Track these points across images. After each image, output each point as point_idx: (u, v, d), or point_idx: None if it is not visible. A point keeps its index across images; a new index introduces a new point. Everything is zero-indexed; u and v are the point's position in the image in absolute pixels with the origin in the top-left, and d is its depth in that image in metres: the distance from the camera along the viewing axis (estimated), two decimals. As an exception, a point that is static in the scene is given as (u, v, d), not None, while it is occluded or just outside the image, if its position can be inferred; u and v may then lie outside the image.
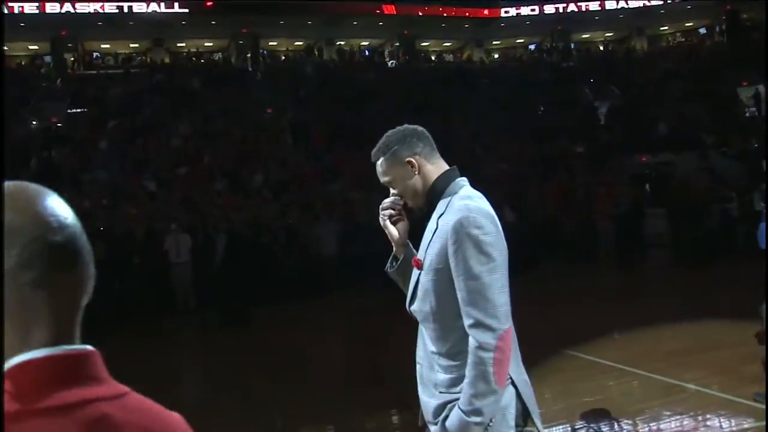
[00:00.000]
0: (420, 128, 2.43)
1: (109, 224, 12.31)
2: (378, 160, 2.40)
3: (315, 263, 12.25)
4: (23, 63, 24.44)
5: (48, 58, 24.70)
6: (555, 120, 20.92)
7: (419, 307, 2.33)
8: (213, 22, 25.09)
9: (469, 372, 2.16)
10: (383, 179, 2.41)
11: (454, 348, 2.25)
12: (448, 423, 2.21)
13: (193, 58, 25.19)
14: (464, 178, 2.40)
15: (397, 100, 20.75)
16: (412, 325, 2.32)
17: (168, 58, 25.36)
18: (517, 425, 2.24)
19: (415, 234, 2.39)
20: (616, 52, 28.26)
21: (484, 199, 2.35)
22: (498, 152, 18.32)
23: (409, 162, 2.36)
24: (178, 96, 20.45)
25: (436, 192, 2.36)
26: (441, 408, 2.26)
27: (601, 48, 29.69)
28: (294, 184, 15.49)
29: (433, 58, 27.55)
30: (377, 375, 6.66)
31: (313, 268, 12.11)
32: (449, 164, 2.37)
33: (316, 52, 26.44)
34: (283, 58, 25.94)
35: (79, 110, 19.87)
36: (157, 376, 7.14)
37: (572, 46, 29.66)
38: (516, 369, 2.29)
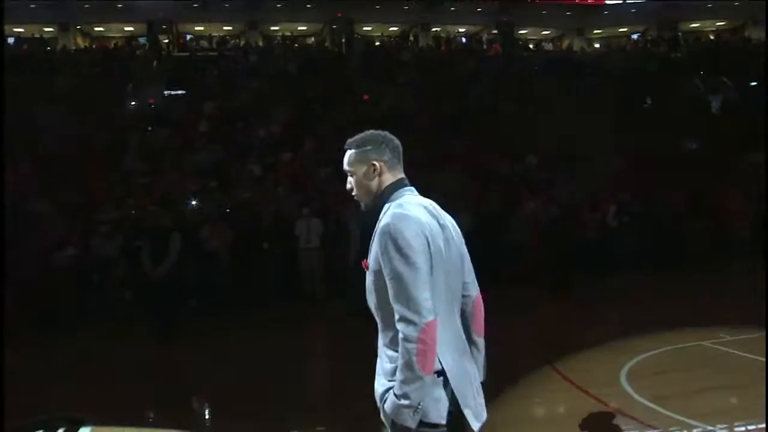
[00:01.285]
0: (395, 141, 2.76)
1: (222, 208, 12.38)
2: (349, 149, 2.74)
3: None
4: (119, 44, 25.23)
5: (143, 40, 25.37)
6: (664, 113, 20.18)
7: (369, 303, 2.63)
8: (308, 6, 25.21)
9: (398, 361, 2.44)
10: (346, 168, 2.74)
11: (394, 339, 2.51)
12: (386, 405, 2.50)
13: (287, 42, 25.33)
14: (410, 188, 2.70)
15: (497, 89, 20.43)
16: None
17: (262, 41, 25.65)
18: (450, 413, 2.43)
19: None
20: (728, 42, 27.14)
21: (420, 206, 2.61)
22: (607, 146, 17.79)
23: (373, 165, 2.67)
24: (275, 80, 20.65)
25: (383, 198, 2.68)
26: (384, 393, 2.53)
27: (712, 38, 28.57)
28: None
29: (531, 46, 27.07)
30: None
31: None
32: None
33: (412, 38, 26.47)
34: (378, 44, 25.92)
35: (175, 92, 20.31)
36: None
37: (679, 35, 28.66)
38: (452, 359, 2.48)
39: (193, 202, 11.63)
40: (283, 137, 17.53)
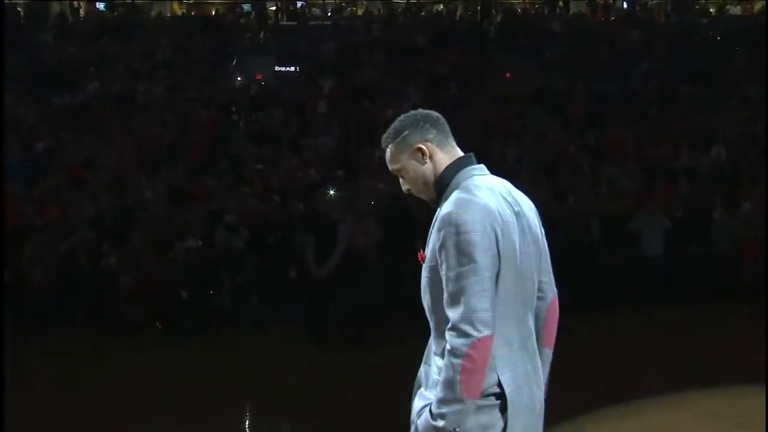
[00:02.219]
0: (435, 114, 2.70)
1: (365, 199, 12.34)
2: (387, 146, 2.65)
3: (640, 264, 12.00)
4: (220, 12, 25.74)
5: (247, 7, 25.81)
6: None
7: (423, 303, 2.61)
8: (435, -32, 25.28)
9: (441, 374, 2.43)
10: (392, 167, 2.65)
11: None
12: (419, 422, 2.51)
13: (413, 10, 25.32)
14: (480, 166, 2.62)
15: (668, 65, 19.71)
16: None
17: (383, 9, 25.61)
18: None
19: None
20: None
21: (490, 190, 2.53)
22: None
23: (420, 149, 2.60)
24: (401, 54, 20.46)
25: (443, 182, 2.60)
26: (422, 410, 2.52)
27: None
28: (564, 166, 14.94)
29: (711, 11, 25.93)
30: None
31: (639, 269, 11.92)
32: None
33: (561, 4, 25.92)
34: (519, 11, 25.39)
35: (287, 68, 20.58)
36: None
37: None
38: (514, 380, 2.45)
39: (331, 192, 11.69)
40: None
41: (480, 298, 2.41)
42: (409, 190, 2.74)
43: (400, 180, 2.72)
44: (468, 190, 2.55)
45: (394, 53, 20.49)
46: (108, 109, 17.61)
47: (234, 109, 18.61)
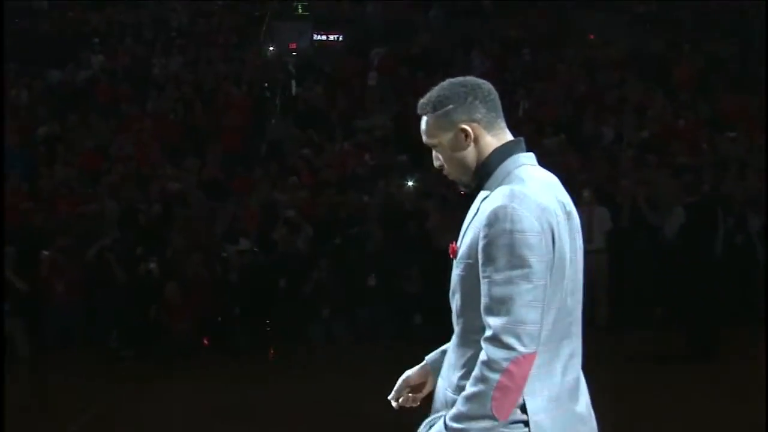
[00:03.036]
0: (486, 85, 2.63)
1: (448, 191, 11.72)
2: (425, 115, 2.63)
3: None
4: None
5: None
6: None
7: (451, 304, 2.66)
8: None
9: (468, 386, 2.46)
10: (427, 140, 2.63)
11: (471, 363, 2.51)
12: None
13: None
14: (530, 155, 2.63)
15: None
16: None
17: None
18: None
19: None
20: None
21: (549, 185, 2.57)
22: None
23: (464, 130, 2.59)
24: (462, 18, 19.83)
25: (488, 169, 2.60)
26: (428, 425, 2.64)
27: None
28: (675, 144, 14.14)
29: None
30: None
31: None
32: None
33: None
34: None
35: (327, 36, 19.97)
36: None
37: None
38: (547, 405, 2.51)
39: (410, 183, 11.20)
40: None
41: (530, 309, 2.42)
42: (442, 166, 2.69)
43: (434, 153, 2.66)
44: (522, 182, 2.53)
45: (455, 15, 19.85)
46: (118, 87, 17.06)
47: (266, 85, 18.05)
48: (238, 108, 16.24)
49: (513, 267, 2.43)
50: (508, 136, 2.67)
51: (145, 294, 10.14)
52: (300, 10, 20.67)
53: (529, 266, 2.43)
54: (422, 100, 2.67)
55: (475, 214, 2.60)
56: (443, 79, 2.65)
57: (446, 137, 2.64)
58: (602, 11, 19.63)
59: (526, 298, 2.43)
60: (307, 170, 14.09)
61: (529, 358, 2.44)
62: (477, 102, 2.62)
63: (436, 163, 2.72)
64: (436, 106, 2.64)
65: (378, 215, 11.39)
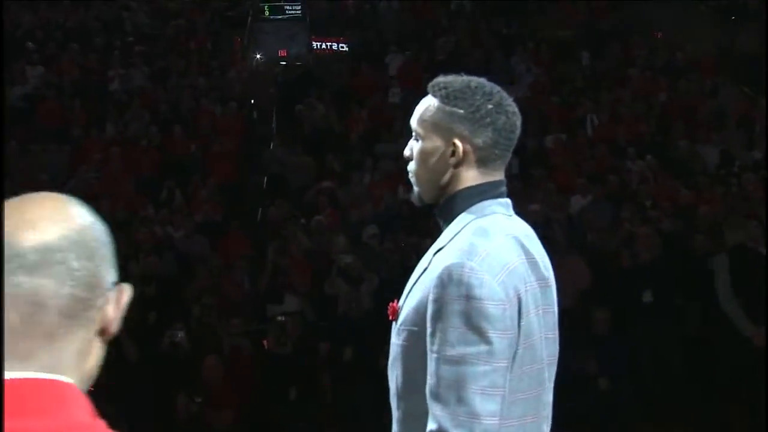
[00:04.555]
0: (516, 117, 2.69)
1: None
2: (430, 94, 2.73)
3: None
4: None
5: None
6: None
7: (390, 380, 2.72)
8: None
9: None
10: (414, 123, 2.73)
11: None
12: None
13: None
14: (505, 201, 2.69)
15: None
16: None
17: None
18: None
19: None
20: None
21: (520, 243, 2.61)
22: None
23: (453, 146, 2.66)
24: (496, 15, 19.65)
25: (452, 207, 2.69)
26: None
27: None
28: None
29: None
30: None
31: None
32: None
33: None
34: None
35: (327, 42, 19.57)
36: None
37: None
38: None
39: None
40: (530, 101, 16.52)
41: (487, 397, 2.43)
42: (409, 159, 2.75)
43: (410, 141, 2.74)
44: (486, 236, 2.55)
45: (484, 12, 19.74)
46: (67, 105, 16.43)
47: (254, 102, 17.59)
48: (226, 131, 15.86)
49: (467, 343, 2.42)
50: (498, 176, 2.68)
51: (169, 375, 9.44)
52: (290, 10, 20.25)
53: (488, 342, 2.43)
54: (439, 79, 2.69)
55: (426, 268, 2.60)
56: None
57: (433, 140, 2.67)
58: (674, 3, 19.41)
59: (481, 383, 2.41)
60: (330, 207, 13.52)
61: None
62: (490, 128, 2.62)
63: (406, 152, 2.74)
64: (448, 97, 2.64)
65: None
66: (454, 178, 2.68)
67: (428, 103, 2.70)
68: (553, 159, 14.90)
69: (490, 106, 2.65)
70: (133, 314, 6.69)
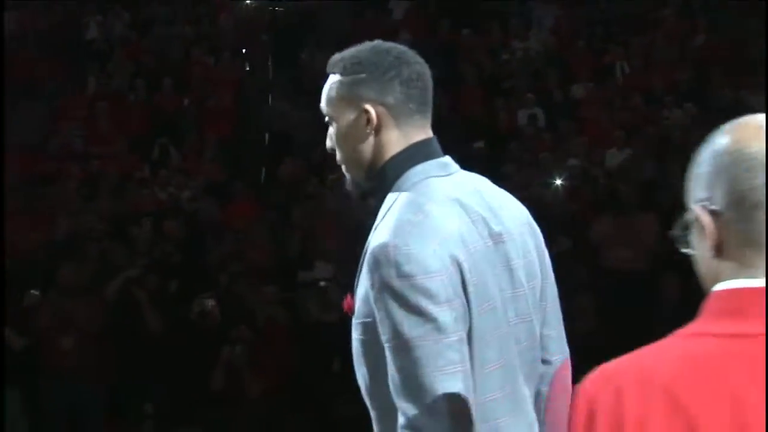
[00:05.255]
0: (419, 66, 2.75)
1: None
2: (332, 73, 2.78)
3: None
4: None
5: None
6: None
7: (358, 380, 2.81)
8: None
9: None
10: (323, 108, 2.78)
11: None
12: None
13: None
14: (443, 162, 2.73)
15: None
16: None
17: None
18: None
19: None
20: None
21: (454, 202, 2.64)
22: None
23: (366, 112, 2.70)
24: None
25: (384, 178, 2.73)
26: None
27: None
28: None
29: None
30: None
31: None
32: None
33: None
34: None
35: None
36: None
37: None
38: None
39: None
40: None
41: (448, 377, 2.46)
42: (333, 150, 2.80)
43: (329, 130, 2.78)
44: (417, 206, 2.59)
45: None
46: (40, 57, 16.51)
47: (245, 51, 17.52)
48: (219, 84, 16.03)
49: (411, 326, 2.45)
50: (421, 136, 2.71)
51: (198, 347, 9.63)
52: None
53: (432, 320, 2.45)
54: (335, 56, 2.75)
55: (364, 253, 2.64)
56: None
57: (345, 115, 2.72)
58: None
59: (437, 363, 2.44)
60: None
61: None
62: (396, 82, 2.68)
63: (328, 143, 2.79)
64: (346, 68, 2.71)
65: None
66: (377, 149, 2.73)
67: (330, 83, 2.77)
68: (583, 110, 14.95)
69: (390, 59, 2.71)
70: (153, 282, 6.89)
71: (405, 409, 2.50)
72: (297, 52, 17.15)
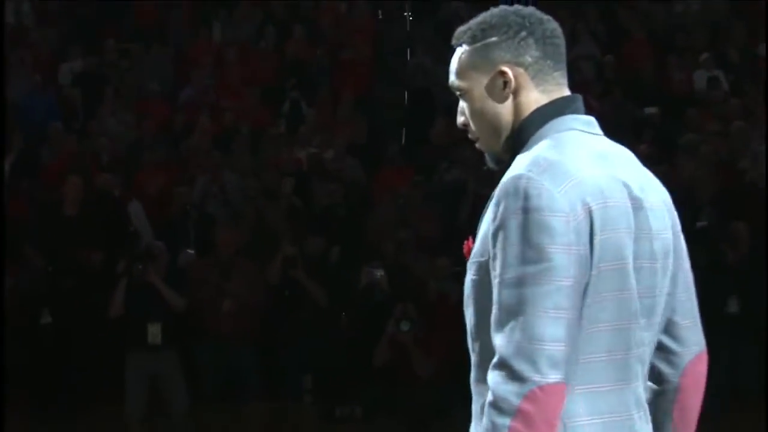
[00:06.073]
0: (551, 23, 2.83)
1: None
2: (459, 45, 2.84)
3: None
4: None
5: None
6: None
7: (465, 319, 2.85)
8: None
9: None
10: (454, 81, 2.86)
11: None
12: None
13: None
14: (587, 119, 2.80)
15: None
16: None
17: None
18: None
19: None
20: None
21: (606, 158, 2.73)
22: None
23: (503, 74, 2.76)
24: None
25: (524, 134, 2.79)
26: None
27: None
28: None
29: None
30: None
31: None
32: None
33: None
34: None
35: None
36: None
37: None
38: None
39: None
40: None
41: (550, 320, 2.53)
42: (466, 125, 2.85)
43: (459, 106, 2.85)
44: (557, 146, 2.66)
45: None
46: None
47: None
48: (358, 33, 16.17)
49: (526, 261, 2.53)
50: (563, 92, 2.78)
51: (365, 319, 9.82)
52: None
53: (548, 259, 2.52)
54: (461, 27, 2.80)
55: (493, 194, 2.72)
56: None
57: (479, 81, 2.77)
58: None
59: (543, 304, 2.52)
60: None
61: (551, 390, 2.52)
62: (531, 40, 2.75)
63: (459, 119, 2.84)
64: (475, 36, 2.76)
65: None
66: (518, 112, 2.79)
67: (458, 54, 2.83)
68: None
69: (519, 20, 2.78)
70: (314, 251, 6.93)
71: (499, 348, 2.57)
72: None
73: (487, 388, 2.64)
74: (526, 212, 2.55)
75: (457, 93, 2.84)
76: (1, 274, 10.35)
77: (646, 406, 2.81)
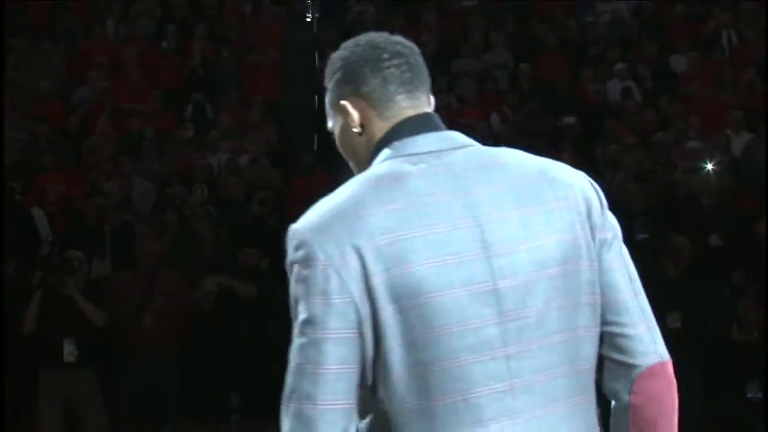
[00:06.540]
0: (390, 45, 2.76)
1: None
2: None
3: None
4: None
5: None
6: None
7: None
8: None
9: None
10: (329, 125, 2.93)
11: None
12: None
13: None
14: (417, 140, 2.68)
15: None
16: None
17: None
18: None
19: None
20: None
21: (408, 183, 2.61)
22: None
23: (343, 108, 2.74)
24: None
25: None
26: None
27: None
28: None
29: None
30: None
31: None
32: None
33: None
34: None
35: None
36: None
37: None
38: None
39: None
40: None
41: (301, 376, 2.54)
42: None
43: None
44: (349, 186, 2.63)
45: None
46: None
47: None
48: (264, 34, 16.27)
49: (294, 316, 2.58)
50: (410, 112, 2.73)
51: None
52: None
53: (304, 311, 2.53)
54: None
55: None
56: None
57: (337, 121, 2.77)
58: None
59: (297, 360, 2.55)
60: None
61: None
62: (366, 70, 2.71)
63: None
64: (327, 77, 2.80)
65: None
66: (369, 143, 2.76)
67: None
68: (686, 85, 14.94)
69: (359, 49, 2.75)
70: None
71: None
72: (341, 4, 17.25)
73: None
74: (291, 266, 2.56)
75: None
76: None
77: None
